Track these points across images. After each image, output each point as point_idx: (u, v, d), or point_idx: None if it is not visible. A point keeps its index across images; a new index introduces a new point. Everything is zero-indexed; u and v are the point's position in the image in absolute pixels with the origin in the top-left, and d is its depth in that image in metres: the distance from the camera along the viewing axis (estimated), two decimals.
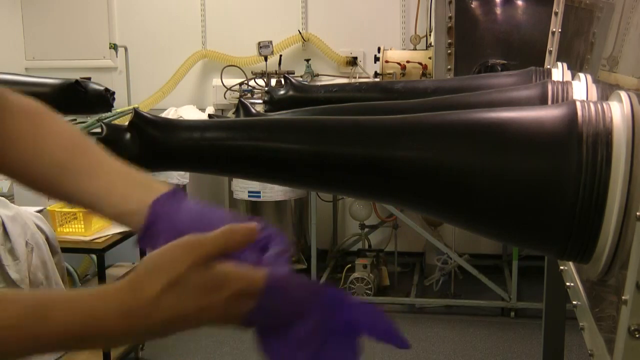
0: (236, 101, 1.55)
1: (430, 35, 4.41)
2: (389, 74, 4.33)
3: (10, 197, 2.98)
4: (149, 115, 1.02)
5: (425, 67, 4.29)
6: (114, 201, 0.78)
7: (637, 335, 0.81)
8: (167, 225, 0.75)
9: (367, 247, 4.72)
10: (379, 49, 4.46)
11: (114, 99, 2.11)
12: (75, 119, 4.57)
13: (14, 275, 2.65)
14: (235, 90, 4.72)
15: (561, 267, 1.46)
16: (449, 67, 3.64)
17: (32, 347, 0.62)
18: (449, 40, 3.64)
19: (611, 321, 1.00)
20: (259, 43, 4.67)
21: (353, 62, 4.93)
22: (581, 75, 1.26)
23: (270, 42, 4.69)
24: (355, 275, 4.29)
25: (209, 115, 1.45)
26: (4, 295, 0.63)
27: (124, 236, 3.35)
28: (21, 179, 0.82)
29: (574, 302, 1.27)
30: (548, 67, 1.66)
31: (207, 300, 0.64)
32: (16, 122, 0.82)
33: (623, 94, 0.89)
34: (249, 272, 0.67)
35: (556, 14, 1.81)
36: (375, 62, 4.47)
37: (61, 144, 0.81)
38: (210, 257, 0.65)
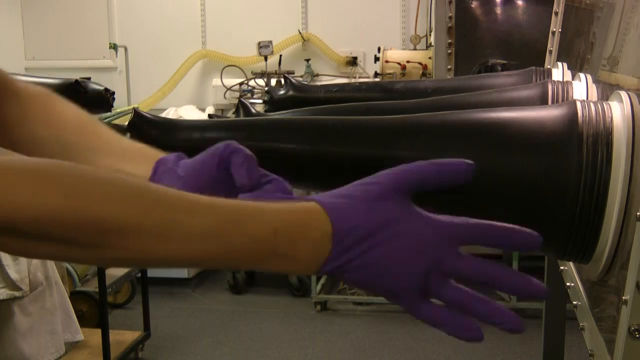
0: (236, 101, 1.55)
1: (430, 35, 4.41)
2: (389, 74, 4.33)
3: None
4: (149, 115, 1.02)
5: (425, 67, 4.29)
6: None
7: (637, 335, 0.81)
8: (169, 181, 0.76)
9: None
10: (379, 49, 4.46)
11: (114, 99, 2.11)
12: None
13: (13, 275, 2.64)
14: (235, 90, 4.72)
15: (561, 267, 1.46)
16: (449, 67, 3.64)
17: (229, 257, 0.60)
18: (449, 40, 3.64)
19: (611, 321, 1.00)
20: (259, 43, 4.67)
21: (353, 62, 4.93)
22: (581, 75, 1.26)
23: (270, 42, 4.69)
24: None
25: (209, 115, 1.45)
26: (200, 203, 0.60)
27: None
28: None
29: (574, 302, 1.27)
30: (548, 67, 1.66)
31: None
32: (27, 106, 0.84)
33: (623, 94, 0.89)
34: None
35: (556, 14, 1.81)
36: (375, 62, 4.47)
37: (71, 126, 0.83)
38: None
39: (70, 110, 0.86)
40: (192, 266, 0.63)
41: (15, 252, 0.57)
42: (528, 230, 0.66)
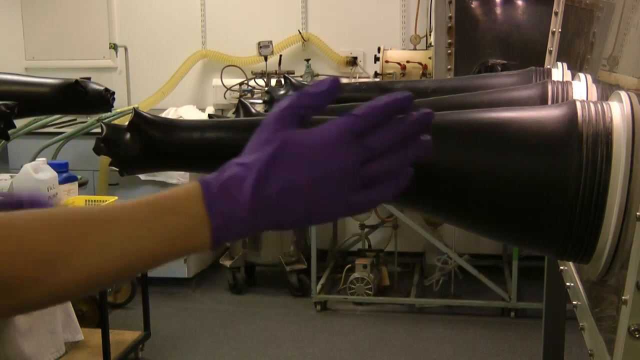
0: (236, 101, 1.55)
1: (430, 35, 4.41)
2: (389, 74, 4.33)
3: None
4: (149, 115, 1.02)
5: (425, 67, 4.29)
6: None
7: (637, 335, 0.81)
8: None
9: (367, 247, 4.71)
10: (379, 49, 4.46)
11: (114, 99, 2.11)
12: (75, 119, 4.58)
13: None
14: (235, 90, 4.72)
15: (561, 267, 1.46)
16: (449, 67, 3.64)
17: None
18: (449, 40, 3.64)
19: (611, 321, 1.00)
20: (259, 43, 4.67)
21: (353, 62, 4.93)
22: (581, 75, 1.26)
23: (270, 42, 4.69)
24: (355, 275, 4.29)
25: (209, 115, 1.45)
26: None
27: None
28: None
29: (574, 302, 1.27)
30: (548, 67, 1.66)
31: None
32: None
33: (623, 94, 0.89)
34: None
35: (556, 14, 1.81)
36: (375, 62, 4.47)
37: None
38: None
39: None
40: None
41: None
42: (397, 94, 0.67)
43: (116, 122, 3.55)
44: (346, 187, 0.64)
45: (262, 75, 4.72)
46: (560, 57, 1.74)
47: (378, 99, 0.66)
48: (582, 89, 1.23)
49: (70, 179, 3.52)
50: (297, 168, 0.63)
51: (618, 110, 0.87)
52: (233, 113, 3.43)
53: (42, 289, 0.60)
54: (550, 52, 1.82)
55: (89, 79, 2.18)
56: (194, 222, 0.63)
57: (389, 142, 0.66)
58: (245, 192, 0.63)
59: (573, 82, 1.25)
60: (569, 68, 1.46)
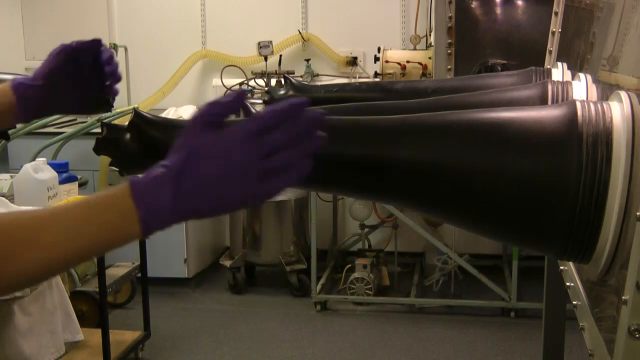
0: None
1: (430, 35, 4.41)
2: (389, 74, 4.33)
3: (10, 197, 2.97)
4: (149, 115, 1.02)
5: (425, 67, 4.29)
6: None
7: (637, 335, 0.81)
8: (30, 92, 1.19)
9: (367, 247, 4.72)
10: (379, 49, 4.46)
11: (114, 99, 2.11)
12: (75, 119, 4.58)
13: None
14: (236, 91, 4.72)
15: (561, 267, 1.46)
16: (449, 67, 3.64)
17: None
18: (449, 40, 3.64)
19: (611, 321, 1.00)
20: (259, 43, 4.67)
21: (353, 62, 4.93)
22: (581, 75, 1.26)
23: (270, 42, 4.69)
24: (355, 275, 4.29)
25: None
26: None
27: None
28: None
29: (574, 302, 1.27)
30: (548, 67, 1.66)
31: None
32: None
33: (623, 94, 0.89)
34: None
35: (556, 14, 1.81)
36: (375, 62, 4.47)
37: None
38: None
39: None
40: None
41: None
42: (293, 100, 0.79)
43: (116, 122, 3.55)
44: (250, 178, 0.76)
45: (262, 75, 4.72)
46: (560, 57, 1.75)
47: (276, 104, 0.78)
48: (582, 89, 1.23)
49: (70, 179, 3.52)
50: (208, 165, 0.76)
51: (618, 110, 0.87)
52: None
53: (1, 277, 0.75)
54: (550, 52, 1.82)
55: None
56: (124, 215, 0.76)
57: (285, 138, 0.77)
58: (166, 187, 0.76)
59: (573, 82, 1.25)
60: (569, 68, 1.46)
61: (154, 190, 0.76)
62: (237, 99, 0.79)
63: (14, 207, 2.81)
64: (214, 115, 0.79)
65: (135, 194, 0.76)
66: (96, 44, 1.20)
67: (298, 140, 0.78)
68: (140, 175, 0.78)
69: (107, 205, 0.77)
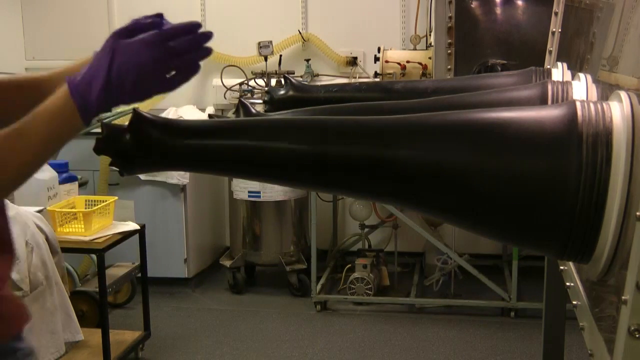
0: (236, 101, 1.55)
1: (430, 35, 4.41)
2: (389, 74, 4.33)
3: (10, 197, 2.98)
4: (149, 115, 1.02)
5: (425, 67, 4.29)
6: None
7: (637, 335, 0.81)
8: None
9: (367, 247, 4.72)
10: (379, 49, 4.46)
11: None
12: None
13: (14, 275, 2.64)
14: (235, 90, 4.72)
15: (561, 267, 1.46)
16: (449, 67, 3.64)
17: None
18: (449, 40, 3.64)
19: (611, 321, 1.00)
20: (259, 43, 4.67)
21: (353, 62, 4.93)
22: (581, 75, 1.26)
23: (270, 42, 4.69)
24: (355, 275, 4.29)
25: (209, 116, 1.45)
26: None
27: (124, 236, 3.35)
28: None
29: (574, 302, 1.27)
30: (548, 67, 1.66)
31: None
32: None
33: (623, 94, 0.89)
34: None
35: (556, 14, 1.82)
36: (375, 62, 4.47)
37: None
38: None
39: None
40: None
41: None
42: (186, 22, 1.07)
43: (116, 122, 3.55)
44: (159, 71, 1.01)
45: (262, 75, 4.72)
46: (560, 57, 1.75)
47: (180, 23, 1.08)
48: (582, 89, 1.23)
49: (70, 179, 3.52)
50: (127, 62, 0.99)
51: (618, 110, 0.87)
52: (233, 113, 3.43)
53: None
54: (550, 52, 1.82)
55: None
56: (67, 109, 1.02)
57: (184, 46, 1.04)
58: (96, 79, 1.00)
59: (573, 82, 1.25)
60: (569, 68, 1.46)
61: (87, 84, 1.00)
62: (152, 16, 1.09)
63: (14, 207, 2.81)
64: (130, 29, 1.04)
65: (72, 90, 1.01)
66: None
67: (193, 49, 1.05)
68: (75, 74, 1.02)
69: (55, 106, 1.03)
